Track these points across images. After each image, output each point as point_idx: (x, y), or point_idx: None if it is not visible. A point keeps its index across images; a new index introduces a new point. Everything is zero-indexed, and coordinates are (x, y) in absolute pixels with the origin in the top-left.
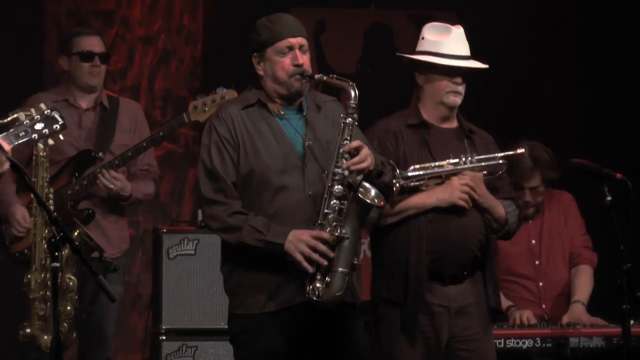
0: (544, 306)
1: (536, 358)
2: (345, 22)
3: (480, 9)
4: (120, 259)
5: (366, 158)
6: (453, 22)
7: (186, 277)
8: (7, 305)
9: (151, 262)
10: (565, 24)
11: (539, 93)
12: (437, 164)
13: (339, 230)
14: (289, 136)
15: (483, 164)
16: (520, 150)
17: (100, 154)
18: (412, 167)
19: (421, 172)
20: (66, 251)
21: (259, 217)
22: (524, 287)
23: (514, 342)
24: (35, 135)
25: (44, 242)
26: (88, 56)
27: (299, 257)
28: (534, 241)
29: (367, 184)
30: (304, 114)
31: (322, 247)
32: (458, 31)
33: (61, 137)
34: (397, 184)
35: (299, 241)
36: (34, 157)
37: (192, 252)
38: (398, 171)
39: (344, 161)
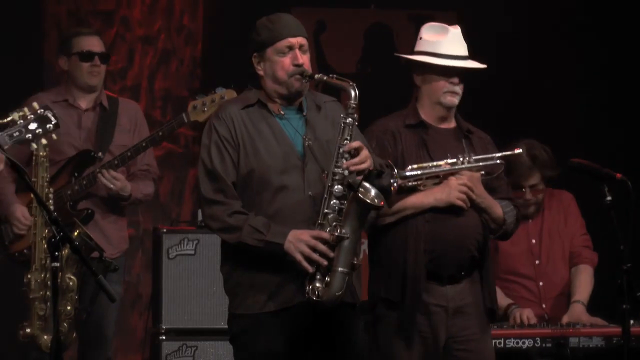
0: (544, 306)
1: (536, 358)
2: (345, 22)
3: (480, 8)
4: (120, 259)
5: (366, 159)
6: (453, 22)
7: (186, 277)
8: (7, 305)
9: (151, 262)
10: (565, 23)
11: (539, 93)
12: (435, 163)
13: (338, 230)
14: (289, 136)
15: (481, 164)
16: (518, 151)
17: (100, 154)
18: (410, 167)
19: (419, 172)
20: (66, 251)
21: (258, 217)
22: (524, 287)
23: (513, 342)
24: (29, 135)
25: (43, 242)
26: (88, 56)
27: (299, 257)
28: (534, 241)
29: (367, 184)
30: (304, 113)
31: (322, 247)
32: (455, 31)
33: (54, 136)
34: (395, 184)
35: (299, 241)
36: (33, 157)
37: (192, 252)
38: (396, 171)
39: (344, 161)
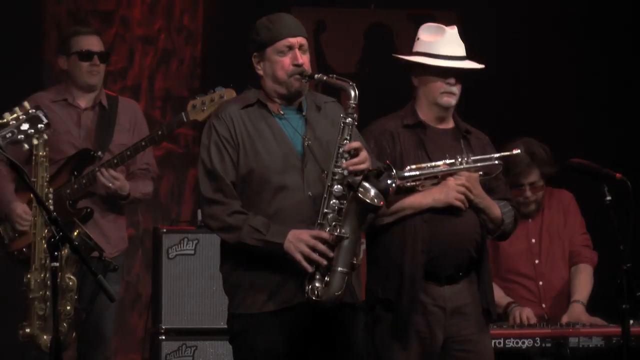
0: (543, 305)
1: (536, 358)
2: (345, 22)
3: (480, 8)
4: (119, 259)
5: (366, 159)
6: (452, 22)
7: (186, 276)
8: (7, 305)
9: (151, 262)
10: (565, 24)
11: (539, 93)
12: (433, 164)
13: (338, 230)
14: (289, 136)
15: (479, 164)
16: (516, 151)
17: (99, 153)
18: (408, 167)
19: (417, 173)
20: (66, 251)
21: (258, 216)
22: (523, 287)
23: (513, 342)
24: (21, 136)
25: (43, 241)
26: (87, 55)
27: (299, 257)
28: (533, 240)
29: (366, 184)
30: (304, 113)
31: (322, 247)
32: (452, 32)
33: (45, 136)
34: (394, 184)
35: (299, 241)
36: (33, 157)
37: (192, 252)
38: (394, 171)
39: (344, 161)
